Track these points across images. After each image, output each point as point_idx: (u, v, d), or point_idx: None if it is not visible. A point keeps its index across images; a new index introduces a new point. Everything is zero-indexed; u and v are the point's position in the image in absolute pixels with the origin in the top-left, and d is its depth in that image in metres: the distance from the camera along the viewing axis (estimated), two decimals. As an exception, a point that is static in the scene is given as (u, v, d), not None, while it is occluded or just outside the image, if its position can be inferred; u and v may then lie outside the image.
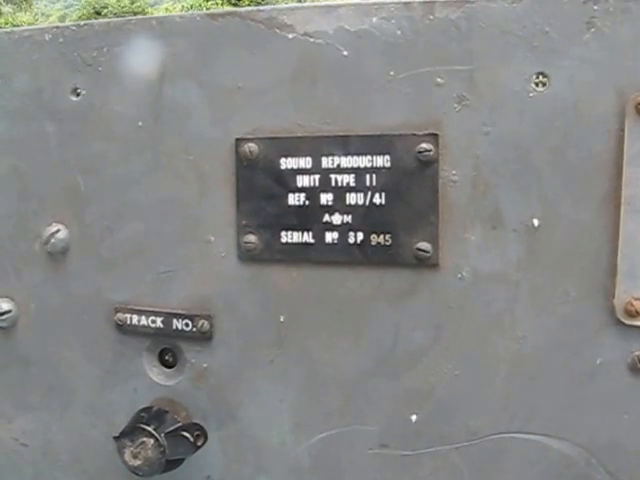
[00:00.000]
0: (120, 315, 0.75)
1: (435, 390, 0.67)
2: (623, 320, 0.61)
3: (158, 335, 0.75)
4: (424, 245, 0.65)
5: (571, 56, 0.60)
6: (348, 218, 0.67)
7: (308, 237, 0.68)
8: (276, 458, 0.74)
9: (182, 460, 0.72)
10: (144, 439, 0.69)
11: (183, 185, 0.72)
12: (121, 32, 0.72)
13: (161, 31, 0.71)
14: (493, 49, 0.62)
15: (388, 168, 0.65)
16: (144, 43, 0.72)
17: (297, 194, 0.68)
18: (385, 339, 0.68)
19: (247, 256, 0.71)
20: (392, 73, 0.64)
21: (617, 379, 0.63)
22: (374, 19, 0.64)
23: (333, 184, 0.67)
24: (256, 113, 0.69)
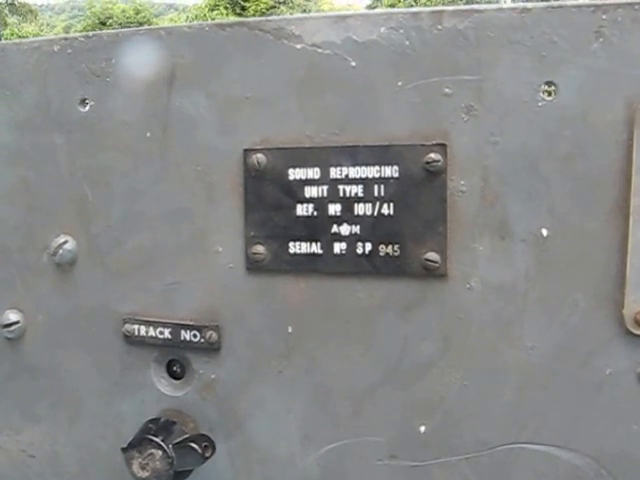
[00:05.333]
0: (128, 326, 0.75)
1: (444, 401, 0.67)
2: (632, 330, 0.61)
3: (166, 346, 0.75)
4: (432, 255, 0.65)
5: (579, 65, 0.60)
6: (356, 229, 0.67)
7: (316, 248, 0.68)
8: (284, 469, 0.73)
9: (190, 471, 0.72)
10: (152, 450, 0.69)
11: (191, 196, 0.72)
12: (129, 43, 0.72)
13: (169, 41, 0.71)
14: (501, 59, 0.62)
15: (396, 178, 0.65)
16: (152, 53, 0.72)
17: (305, 205, 0.68)
18: (394, 350, 0.68)
19: (255, 267, 0.70)
20: (400, 83, 0.64)
21: (626, 389, 0.62)
22: (382, 29, 0.64)
23: (341, 195, 0.67)
24: (264, 123, 0.69)
